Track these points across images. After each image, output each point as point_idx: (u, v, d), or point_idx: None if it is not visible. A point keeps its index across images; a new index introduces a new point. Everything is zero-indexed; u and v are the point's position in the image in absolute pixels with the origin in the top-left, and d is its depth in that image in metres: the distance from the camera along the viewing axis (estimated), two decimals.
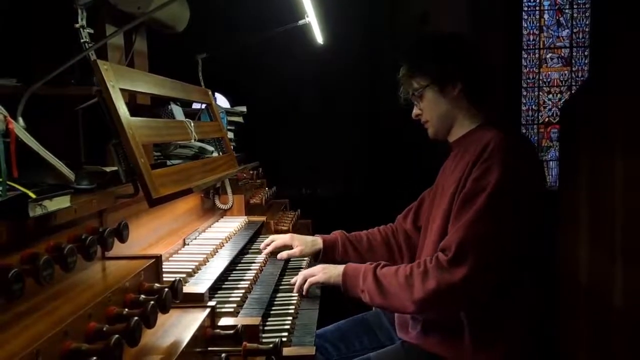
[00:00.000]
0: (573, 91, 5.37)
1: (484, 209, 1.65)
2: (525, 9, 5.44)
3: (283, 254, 2.17)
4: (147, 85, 1.77)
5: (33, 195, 0.99)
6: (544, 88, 5.51)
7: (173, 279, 1.25)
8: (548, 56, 5.50)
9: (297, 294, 1.89)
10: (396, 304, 1.75)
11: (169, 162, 1.99)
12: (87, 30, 1.46)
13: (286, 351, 1.39)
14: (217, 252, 1.94)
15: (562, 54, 5.49)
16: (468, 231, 1.65)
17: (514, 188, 1.68)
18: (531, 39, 5.47)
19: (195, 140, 2.01)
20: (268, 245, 2.19)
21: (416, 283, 1.68)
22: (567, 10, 5.45)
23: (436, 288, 1.65)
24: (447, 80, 1.86)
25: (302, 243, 2.19)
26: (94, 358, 0.87)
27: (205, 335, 1.29)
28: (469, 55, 1.91)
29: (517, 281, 1.77)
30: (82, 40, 1.45)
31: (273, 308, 1.76)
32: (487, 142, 1.73)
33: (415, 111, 1.96)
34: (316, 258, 2.21)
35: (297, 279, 1.95)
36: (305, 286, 1.92)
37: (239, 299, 1.65)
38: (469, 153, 1.78)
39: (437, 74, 1.87)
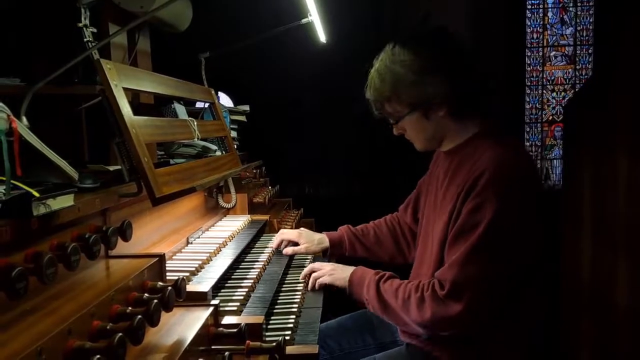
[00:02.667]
0: (577, 89, 5.36)
1: (479, 246, 1.58)
2: (529, 6, 5.42)
3: (288, 250, 2.21)
4: (151, 84, 1.77)
5: (37, 194, 0.99)
6: (548, 86, 5.49)
7: (176, 278, 1.25)
8: (552, 54, 5.48)
9: (300, 293, 1.90)
10: (396, 320, 1.76)
11: (172, 161, 1.99)
12: (90, 30, 1.46)
13: (289, 349, 1.39)
14: (221, 250, 1.94)
15: (566, 52, 5.47)
16: (462, 270, 1.59)
17: (509, 222, 1.59)
18: (535, 37, 5.46)
19: (198, 139, 2.01)
20: (276, 241, 2.23)
21: (412, 308, 1.67)
22: (571, 8, 5.43)
23: (431, 318, 1.63)
24: (430, 106, 1.71)
25: (308, 240, 2.21)
26: (98, 356, 0.87)
27: (209, 334, 1.29)
28: (454, 70, 1.68)
29: (521, 296, 1.72)
30: (85, 40, 1.46)
31: (276, 306, 1.76)
32: (482, 169, 1.60)
33: (397, 131, 1.84)
34: (325, 254, 2.23)
35: (304, 271, 1.99)
36: (311, 282, 1.95)
37: (242, 297, 1.65)
38: (464, 172, 1.68)
39: (418, 101, 1.71)
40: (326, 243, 2.20)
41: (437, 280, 1.65)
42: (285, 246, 2.25)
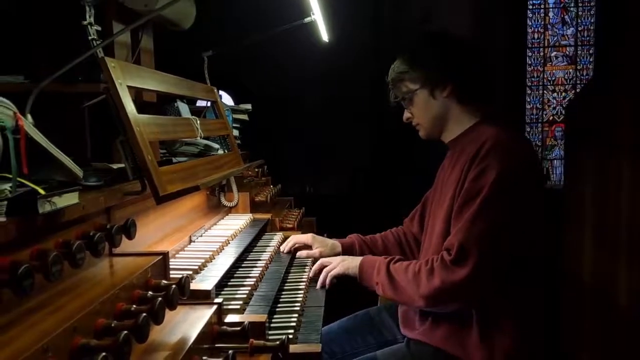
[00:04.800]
0: (578, 90, 5.36)
1: (482, 209, 1.67)
2: (530, 7, 5.42)
3: (302, 253, 2.22)
4: (154, 82, 1.77)
5: (42, 192, 0.99)
6: (549, 86, 5.49)
7: (180, 276, 1.26)
8: (553, 54, 5.48)
9: (302, 291, 1.90)
10: (405, 298, 1.81)
11: (174, 160, 1.99)
12: (95, 28, 1.46)
13: (293, 348, 1.39)
14: (223, 249, 1.94)
15: (567, 53, 5.47)
16: (468, 232, 1.67)
17: (510, 187, 1.69)
18: (536, 37, 5.45)
19: (201, 137, 2.01)
20: (289, 245, 2.24)
21: (422, 280, 1.73)
22: (572, 9, 5.43)
23: (440, 285, 1.69)
24: (436, 82, 1.87)
25: (322, 245, 2.22)
26: (103, 354, 0.87)
27: (212, 332, 1.29)
28: (458, 56, 1.89)
29: (520, 279, 1.77)
30: (89, 38, 1.46)
31: (279, 305, 1.76)
32: (483, 141, 1.73)
33: (406, 115, 1.97)
34: None
35: (315, 267, 2.05)
36: (322, 277, 2.00)
37: (245, 296, 1.65)
38: (466, 152, 1.79)
39: (426, 78, 1.87)
40: (339, 249, 2.23)
41: (445, 250, 1.72)
42: (297, 249, 2.25)
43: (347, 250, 2.22)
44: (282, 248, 2.25)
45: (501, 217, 1.68)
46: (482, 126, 1.84)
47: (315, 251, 2.20)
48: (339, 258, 2.06)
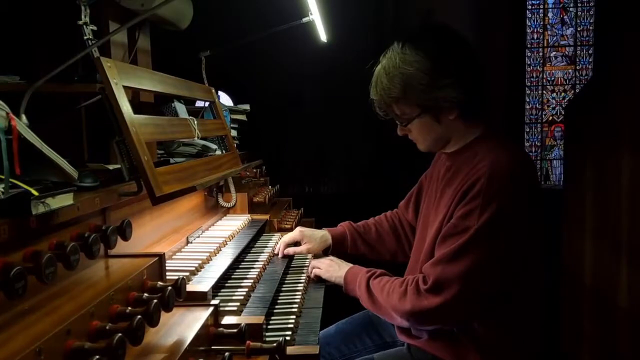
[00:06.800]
0: (577, 90, 5.35)
1: (465, 249, 1.61)
2: (529, 7, 5.42)
3: (289, 250, 2.20)
4: (151, 82, 1.76)
5: (36, 193, 0.98)
6: (548, 87, 5.48)
7: (176, 278, 1.24)
8: (552, 55, 5.47)
9: (300, 293, 1.89)
10: (385, 315, 1.82)
11: (172, 160, 1.98)
12: (91, 27, 1.45)
13: (290, 350, 1.39)
14: (220, 250, 1.93)
15: (566, 53, 5.46)
16: (447, 267, 1.63)
17: (496, 232, 1.61)
18: (535, 38, 5.45)
19: (198, 138, 2.00)
20: (281, 250, 2.21)
21: (395, 301, 1.73)
22: (571, 9, 5.42)
23: (410, 310, 1.68)
24: (441, 109, 1.70)
25: (310, 240, 2.21)
26: (97, 357, 0.86)
27: (209, 334, 1.28)
28: (463, 70, 1.67)
29: (514, 298, 1.72)
30: (85, 37, 1.45)
31: (276, 307, 1.76)
32: (479, 175, 1.62)
33: (401, 132, 1.82)
34: (326, 252, 2.22)
35: (309, 268, 2.08)
36: (310, 271, 2.06)
37: (242, 297, 1.64)
38: (461, 176, 1.70)
39: (430, 105, 1.69)
40: (329, 240, 2.20)
41: (422, 275, 1.70)
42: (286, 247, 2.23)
43: (337, 242, 2.21)
44: (276, 250, 2.22)
45: (483, 259, 1.61)
46: (482, 143, 1.73)
47: (302, 248, 2.20)
48: (326, 262, 2.03)
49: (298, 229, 2.27)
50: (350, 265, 1.99)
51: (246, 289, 1.71)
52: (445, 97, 1.67)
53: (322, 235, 2.22)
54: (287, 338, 1.46)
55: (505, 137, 1.83)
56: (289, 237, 2.24)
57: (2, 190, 0.95)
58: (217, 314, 1.37)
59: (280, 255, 2.20)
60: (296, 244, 2.24)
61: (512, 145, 1.79)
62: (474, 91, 1.70)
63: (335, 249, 2.22)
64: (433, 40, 1.72)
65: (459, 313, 1.68)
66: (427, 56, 1.67)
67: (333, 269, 1.99)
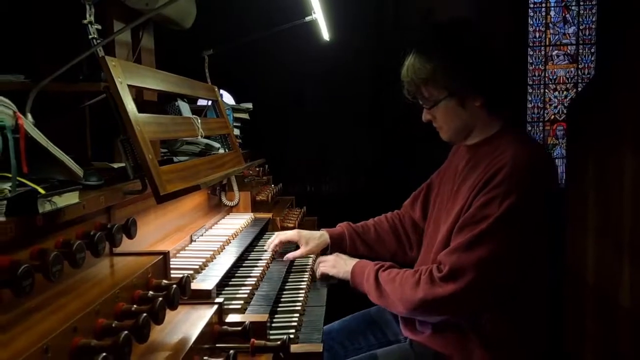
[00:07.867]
0: (579, 89, 5.34)
1: (482, 238, 1.63)
2: (532, 5, 5.40)
3: (289, 255, 2.17)
4: (155, 81, 1.77)
5: (42, 191, 0.99)
6: (550, 85, 5.47)
7: (181, 276, 1.25)
8: (554, 53, 5.45)
9: (303, 291, 1.90)
10: (391, 306, 1.81)
11: (175, 159, 1.98)
12: (95, 26, 1.46)
13: (294, 348, 1.39)
14: (224, 248, 1.94)
15: (569, 51, 5.45)
16: (463, 256, 1.64)
17: (515, 222, 1.64)
18: (537, 36, 5.43)
19: (201, 136, 2.00)
20: (273, 243, 2.17)
21: (407, 290, 1.72)
22: (573, 7, 5.41)
23: (423, 298, 1.68)
24: (468, 94, 1.75)
25: (308, 242, 2.18)
26: (103, 354, 0.87)
27: (213, 332, 1.29)
28: (493, 63, 1.76)
29: (522, 292, 1.74)
30: (90, 37, 1.45)
31: (280, 305, 1.76)
32: (500, 165, 1.66)
33: (426, 117, 1.85)
34: (324, 253, 2.21)
35: (315, 265, 2.10)
36: (316, 268, 2.07)
37: (246, 295, 1.65)
38: (482, 167, 1.73)
39: (457, 88, 1.75)
40: (327, 240, 2.19)
41: (437, 264, 1.70)
42: (281, 246, 2.21)
43: (336, 242, 2.19)
44: (266, 246, 2.18)
45: (500, 248, 1.63)
46: (504, 137, 1.76)
47: (298, 252, 2.17)
48: (332, 259, 2.05)
49: (296, 230, 2.27)
50: (357, 259, 1.99)
51: (250, 287, 1.72)
52: (471, 82, 1.73)
53: (320, 235, 2.21)
54: (291, 336, 1.47)
55: (526, 133, 1.87)
56: (285, 235, 2.22)
57: (9, 188, 0.95)
58: (221, 312, 1.38)
59: (270, 249, 2.15)
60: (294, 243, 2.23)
61: (534, 141, 1.87)
62: (498, 82, 1.76)
63: (334, 250, 2.20)
64: (459, 37, 1.78)
65: (472, 303, 1.68)
66: (452, 51, 1.75)
67: (339, 264, 2.00)
